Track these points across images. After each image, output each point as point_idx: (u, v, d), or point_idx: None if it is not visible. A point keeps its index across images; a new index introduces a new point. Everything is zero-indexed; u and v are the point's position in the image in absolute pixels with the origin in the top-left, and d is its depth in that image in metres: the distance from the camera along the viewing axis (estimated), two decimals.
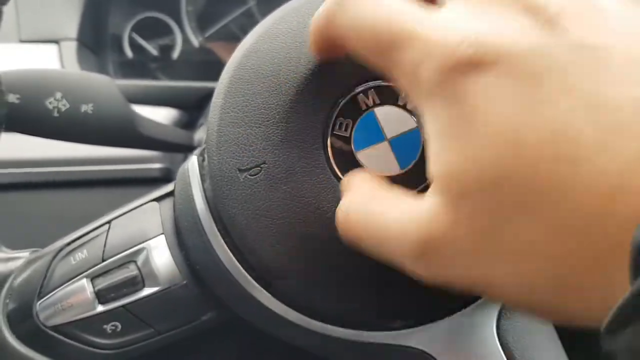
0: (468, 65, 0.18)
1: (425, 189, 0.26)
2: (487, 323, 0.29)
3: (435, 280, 0.20)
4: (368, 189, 0.24)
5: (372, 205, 0.22)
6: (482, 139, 0.18)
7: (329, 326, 0.28)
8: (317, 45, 0.25)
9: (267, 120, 0.26)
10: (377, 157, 0.26)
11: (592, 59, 0.17)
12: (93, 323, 0.29)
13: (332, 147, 0.26)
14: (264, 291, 0.28)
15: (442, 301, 0.27)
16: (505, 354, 0.28)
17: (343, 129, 0.26)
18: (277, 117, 0.26)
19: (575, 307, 0.17)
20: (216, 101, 0.27)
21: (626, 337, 0.15)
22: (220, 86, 0.28)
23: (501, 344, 0.29)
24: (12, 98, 0.39)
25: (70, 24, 0.70)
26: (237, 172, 0.26)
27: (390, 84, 0.26)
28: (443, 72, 0.18)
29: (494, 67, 0.18)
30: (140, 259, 0.29)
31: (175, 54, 0.77)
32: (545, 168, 0.16)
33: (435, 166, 0.19)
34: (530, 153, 0.17)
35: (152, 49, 0.77)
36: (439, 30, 0.19)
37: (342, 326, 0.28)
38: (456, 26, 0.19)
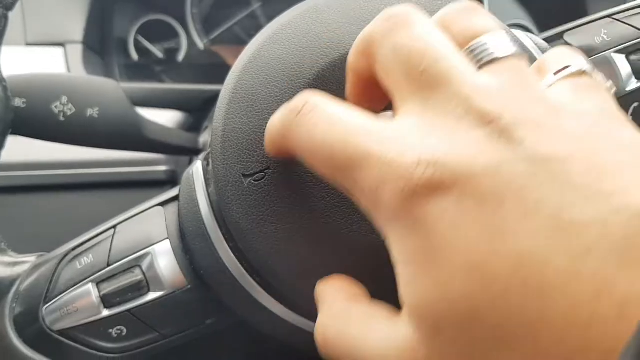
0: (427, 189, 0.17)
1: None
2: None
3: None
4: (342, 306, 0.23)
5: (348, 328, 0.21)
6: (449, 270, 0.17)
7: None
8: (273, 150, 0.24)
9: None
10: None
11: (551, 173, 0.17)
12: (98, 327, 0.29)
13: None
14: (268, 296, 0.28)
15: None
16: None
17: None
18: None
19: None
20: (221, 106, 0.28)
21: None
22: (225, 91, 0.28)
23: None
24: (18, 102, 0.39)
25: (76, 27, 0.70)
26: (242, 177, 0.27)
27: None
28: (402, 197, 0.18)
29: (453, 189, 0.17)
30: (145, 264, 0.30)
31: (181, 57, 0.77)
32: (515, 301, 0.16)
33: (407, 296, 0.19)
34: (499, 285, 0.16)
35: (157, 52, 0.77)
36: (395, 149, 0.18)
37: None
38: (412, 143, 0.18)
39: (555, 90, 0.20)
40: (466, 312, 0.17)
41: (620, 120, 0.19)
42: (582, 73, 0.21)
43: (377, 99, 0.24)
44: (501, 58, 0.20)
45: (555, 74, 0.21)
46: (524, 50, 0.20)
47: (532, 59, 0.22)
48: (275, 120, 0.23)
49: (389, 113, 0.25)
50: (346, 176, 0.20)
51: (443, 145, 0.18)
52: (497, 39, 0.20)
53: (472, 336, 0.17)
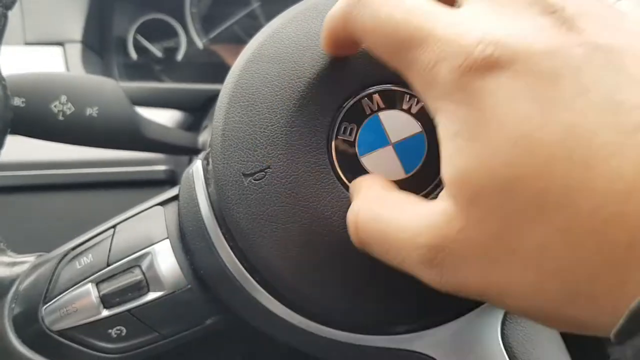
0: (484, 66, 0.18)
1: (431, 192, 0.26)
2: (491, 327, 0.29)
3: (447, 286, 0.20)
4: (377, 193, 0.23)
5: (382, 210, 0.22)
6: (496, 141, 0.17)
7: (333, 330, 0.28)
8: (331, 42, 0.25)
9: (272, 125, 0.27)
10: (382, 161, 0.26)
11: (607, 60, 0.17)
12: (98, 327, 0.29)
13: (336, 151, 0.26)
14: (268, 295, 0.28)
15: (446, 305, 0.27)
16: (509, 358, 0.28)
17: (347, 133, 0.26)
18: (282, 121, 0.26)
19: (585, 315, 0.17)
20: (221, 105, 0.28)
21: (636, 344, 0.15)
22: (225, 90, 0.28)
23: (505, 348, 0.29)
24: (17, 102, 0.39)
25: (75, 26, 0.70)
26: (242, 176, 0.26)
27: (395, 87, 0.26)
28: (459, 73, 0.18)
29: (510, 67, 0.17)
30: (145, 264, 0.29)
31: (180, 56, 0.77)
32: (559, 170, 0.16)
33: (447, 169, 0.19)
34: (544, 155, 0.17)
35: (156, 51, 0.77)
36: (456, 30, 0.19)
37: (347, 330, 0.28)
38: (473, 26, 0.19)
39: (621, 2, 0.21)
40: (508, 180, 0.17)
41: None
42: None
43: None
44: None
45: None
46: None
47: None
48: (337, 7, 0.23)
49: None
50: (405, 55, 0.20)
51: (506, 29, 0.18)
52: None
53: (511, 205, 0.17)
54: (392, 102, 0.26)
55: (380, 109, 0.26)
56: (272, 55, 0.27)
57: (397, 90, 0.26)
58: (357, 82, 0.26)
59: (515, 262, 0.18)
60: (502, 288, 0.18)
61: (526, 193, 0.17)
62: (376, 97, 0.26)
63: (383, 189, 0.24)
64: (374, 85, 0.26)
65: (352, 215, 0.23)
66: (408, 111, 0.26)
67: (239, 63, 0.28)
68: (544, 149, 0.17)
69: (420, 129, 0.26)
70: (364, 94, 0.26)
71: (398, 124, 0.26)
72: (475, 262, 0.18)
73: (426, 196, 0.26)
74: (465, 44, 0.18)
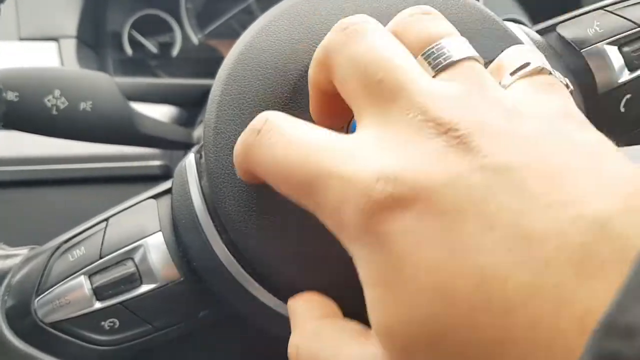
0: (387, 206, 0.17)
1: None
2: None
3: None
4: (314, 325, 0.23)
5: (320, 348, 0.21)
6: (413, 291, 0.17)
7: None
8: (240, 172, 0.24)
9: None
10: None
11: (508, 183, 0.16)
12: (91, 320, 0.29)
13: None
14: (261, 288, 0.28)
15: None
16: None
17: None
18: None
19: None
20: (213, 98, 0.28)
21: None
22: (217, 83, 0.28)
23: None
24: (10, 96, 0.39)
25: (69, 21, 0.70)
26: (234, 169, 0.26)
27: None
28: (363, 216, 0.18)
29: (414, 205, 0.17)
30: (137, 256, 0.29)
31: (175, 52, 0.77)
32: (481, 320, 0.16)
33: (374, 316, 0.18)
34: (464, 305, 0.16)
35: (151, 47, 0.77)
36: (354, 166, 0.18)
37: None
38: (371, 159, 0.18)
39: (513, 90, 0.20)
40: (433, 333, 0.16)
41: (578, 120, 0.19)
42: (539, 71, 0.21)
43: (340, 112, 0.23)
44: (456, 62, 0.20)
45: (512, 73, 0.21)
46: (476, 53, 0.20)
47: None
48: (238, 142, 0.23)
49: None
50: (309, 197, 0.20)
51: (402, 159, 0.18)
52: (452, 43, 0.20)
53: (440, 358, 0.17)
54: None
55: None
56: (264, 49, 0.27)
57: None
58: None
59: None
60: None
61: (452, 346, 0.16)
62: None
63: (320, 319, 0.23)
64: None
65: (292, 351, 0.22)
66: None
67: (231, 56, 0.28)
68: (462, 299, 0.16)
69: None
70: None
71: None
72: None
73: None
74: (364, 183, 0.18)
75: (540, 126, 0.18)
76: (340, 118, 0.24)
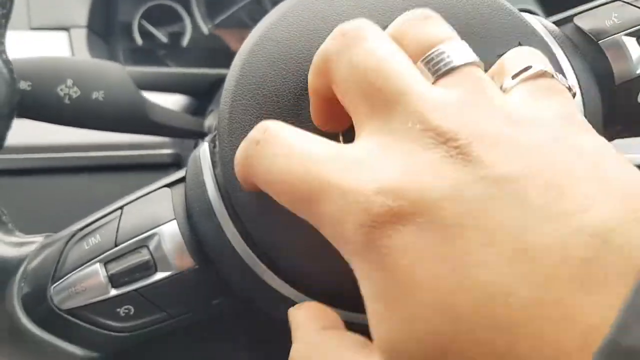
0: (387, 221, 0.17)
1: None
2: None
3: None
4: (317, 337, 0.22)
5: (321, 359, 0.21)
6: (415, 307, 0.17)
7: (341, 311, 0.28)
8: (242, 182, 0.24)
9: (279, 108, 0.27)
10: None
11: (509, 194, 0.16)
12: (106, 306, 0.30)
13: (343, 133, 0.26)
14: (275, 276, 0.28)
15: None
16: None
17: None
18: (289, 104, 0.27)
19: None
20: (228, 88, 0.28)
21: None
22: (232, 73, 0.28)
23: None
24: (23, 85, 0.39)
25: (80, 11, 0.70)
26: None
27: None
28: (364, 230, 0.17)
29: (414, 219, 0.17)
30: (152, 244, 0.30)
31: (185, 41, 0.77)
32: (483, 338, 0.15)
33: (376, 331, 0.18)
34: (466, 322, 0.16)
35: (161, 36, 0.77)
36: (354, 179, 0.18)
37: (354, 310, 0.29)
38: (371, 171, 0.18)
39: (513, 96, 0.20)
40: (436, 349, 0.16)
41: (580, 125, 0.19)
42: (541, 74, 0.20)
43: (340, 117, 0.23)
44: (456, 67, 0.19)
45: (513, 77, 0.20)
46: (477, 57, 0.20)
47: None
48: (239, 152, 0.23)
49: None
50: (309, 209, 0.19)
51: (401, 171, 0.18)
52: (452, 48, 0.20)
53: None
54: None
55: None
56: (279, 39, 0.27)
57: None
58: None
59: None
60: None
61: None
62: None
63: (321, 332, 0.23)
64: None
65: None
66: None
67: (246, 46, 0.28)
68: (464, 315, 0.16)
69: None
70: None
71: None
72: None
73: None
74: (364, 197, 0.17)
75: (541, 134, 0.18)
76: (341, 122, 0.24)
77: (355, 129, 0.20)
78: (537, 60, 0.21)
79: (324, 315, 0.24)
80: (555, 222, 0.16)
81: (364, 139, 0.19)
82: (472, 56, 0.20)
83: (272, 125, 0.21)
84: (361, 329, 0.29)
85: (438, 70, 0.20)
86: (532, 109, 0.19)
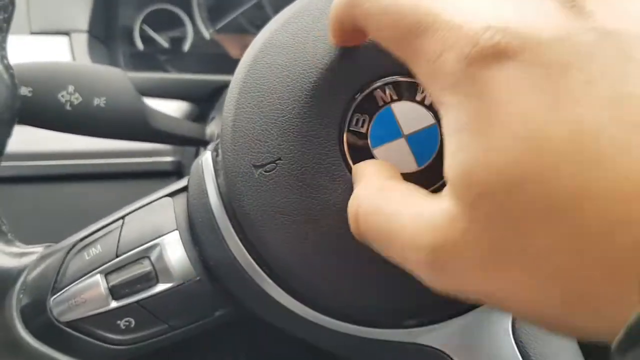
0: (492, 55, 0.17)
1: (442, 187, 0.26)
2: (502, 321, 0.29)
3: (448, 289, 0.19)
4: (380, 182, 0.23)
5: (384, 203, 0.21)
6: (502, 137, 0.17)
7: (342, 323, 0.28)
8: (337, 32, 0.24)
9: (283, 116, 0.26)
10: (394, 153, 0.26)
11: (617, 46, 0.16)
12: (107, 319, 0.29)
13: (348, 143, 0.26)
14: (278, 288, 0.28)
15: (456, 299, 0.27)
16: (520, 353, 0.28)
17: (360, 124, 0.26)
18: (293, 113, 0.26)
19: (588, 324, 0.17)
20: (231, 96, 0.27)
21: (636, 356, 0.14)
22: (236, 81, 0.27)
23: (516, 343, 0.28)
24: (24, 91, 0.39)
25: (81, 16, 0.70)
26: (252, 168, 0.26)
27: (408, 79, 0.26)
28: (466, 62, 0.18)
29: (519, 57, 0.17)
30: (154, 255, 0.29)
31: (186, 46, 0.77)
32: (565, 171, 0.16)
33: (451, 166, 0.18)
34: (552, 154, 0.16)
35: (162, 41, 0.76)
36: (463, 16, 0.18)
37: (356, 323, 0.28)
38: (481, 11, 0.18)
39: None
40: (514, 180, 0.16)
41: None
42: None
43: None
44: None
45: None
46: None
47: None
48: None
49: None
50: (410, 44, 0.19)
51: (515, 14, 0.18)
52: None
53: (516, 208, 0.16)
54: (405, 93, 0.26)
55: (393, 101, 0.26)
56: (283, 46, 0.27)
57: (410, 81, 0.26)
58: (370, 73, 0.26)
59: (518, 268, 0.17)
60: (504, 293, 0.18)
61: (532, 195, 0.16)
62: (389, 88, 0.26)
63: (386, 179, 0.23)
64: (387, 76, 0.26)
65: (353, 206, 0.22)
66: (421, 103, 0.26)
67: (250, 53, 0.28)
68: (551, 147, 0.16)
69: (434, 121, 0.26)
70: (376, 85, 0.26)
71: (411, 115, 0.26)
72: (477, 266, 0.18)
73: (438, 190, 0.25)
74: (473, 31, 0.18)
75: None
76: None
77: None
78: None
79: (389, 169, 0.24)
80: None
81: None
82: None
83: None
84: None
85: None
86: None
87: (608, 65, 0.16)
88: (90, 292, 0.29)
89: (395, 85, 0.26)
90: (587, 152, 0.16)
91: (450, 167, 0.18)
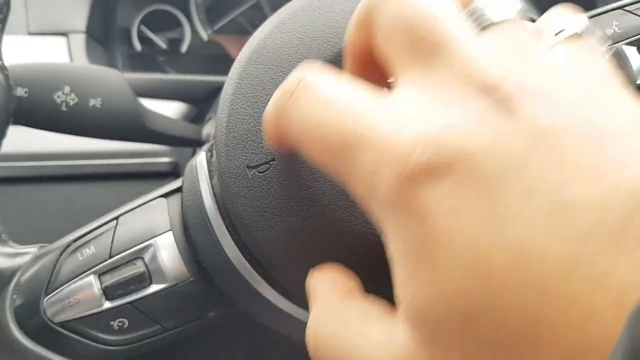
0: (424, 174, 0.16)
1: None
2: None
3: None
4: (335, 305, 0.22)
5: (343, 329, 0.20)
6: (446, 266, 0.16)
7: None
8: (271, 140, 0.23)
9: None
10: None
11: (550, 147, 0.16)
12: (100, 319, 0.29)
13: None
14: (271, 289, 0.28)
15: None
16: None
17: None
18: None
19: None
20: (225, 97, 0.27)
21: None
22: (230, 82, 0.27)
23: None
24: (20, 92, 0.39)
25: (78, 16, 0.70)
26: (246, 168, 0.26)
27: None
28: (398, 183, 0.17)
29: (452, 172, 0.16)
30: (147, 256, 0.29)
31: (184, 47, 0.77)
32: (515, 299, 0.15)
33: (402, 294, 0.18)
34: (498, 281, 0.15)
35: (160, 42, 0.76)
36: (391, 130, 0.17)
37: None
38: (409, 121, 0.17)
39: (556, 53, 0.19)
40: (465, 313, 0.16)
41: (620, 85, 0.19)
42: (582, 34, 0.20)
43: (376, 76, 0.23)
44: (503, 21, 0.19)
45: (556, 35, 0.20)
46: (525, 11, 0.20)
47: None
48: (270, 107, 0.22)
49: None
50: (341, 163, 0.19)
51: (441, 122, 0.17)
52: (497, 1, 0.20)
53: (471, 341, 0.16)
54: None
55: None
56: (278, 46, 0.27)
57: None
58: None
59: None
60: None
61: (484, 328, 0.15)
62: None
63: (341, 298, 0.22)
64: None
65: (311, 332, 0.21)
66: None
67: (245, 53, 0.28)
68: (497, 274, 0.15)
69: None
70: None
71: None
72: None
73: None
74: (401, 148, 0.17)
75: (582, 90, 0.17)
76: (376, 82, 0.23)
77: (396, 79, 0.20)
78: (579, 19, 0.21)
79: (343, 281, 0.23)
80: (594, 178, 0.15)
81: (405, 88, 0.19)
82: (519, 8, 0.20)
83: (307, 74, 0.21)
84: None
85: (482, 23, 0.19)
86: (575, 66, 0.19)
87: (543, 172, 0.16)
88: (84, 292, 0.29)
89: (390, 84, 0.26)
90: (531, 278, 0.15)
91: (402, 295, 0.18)
